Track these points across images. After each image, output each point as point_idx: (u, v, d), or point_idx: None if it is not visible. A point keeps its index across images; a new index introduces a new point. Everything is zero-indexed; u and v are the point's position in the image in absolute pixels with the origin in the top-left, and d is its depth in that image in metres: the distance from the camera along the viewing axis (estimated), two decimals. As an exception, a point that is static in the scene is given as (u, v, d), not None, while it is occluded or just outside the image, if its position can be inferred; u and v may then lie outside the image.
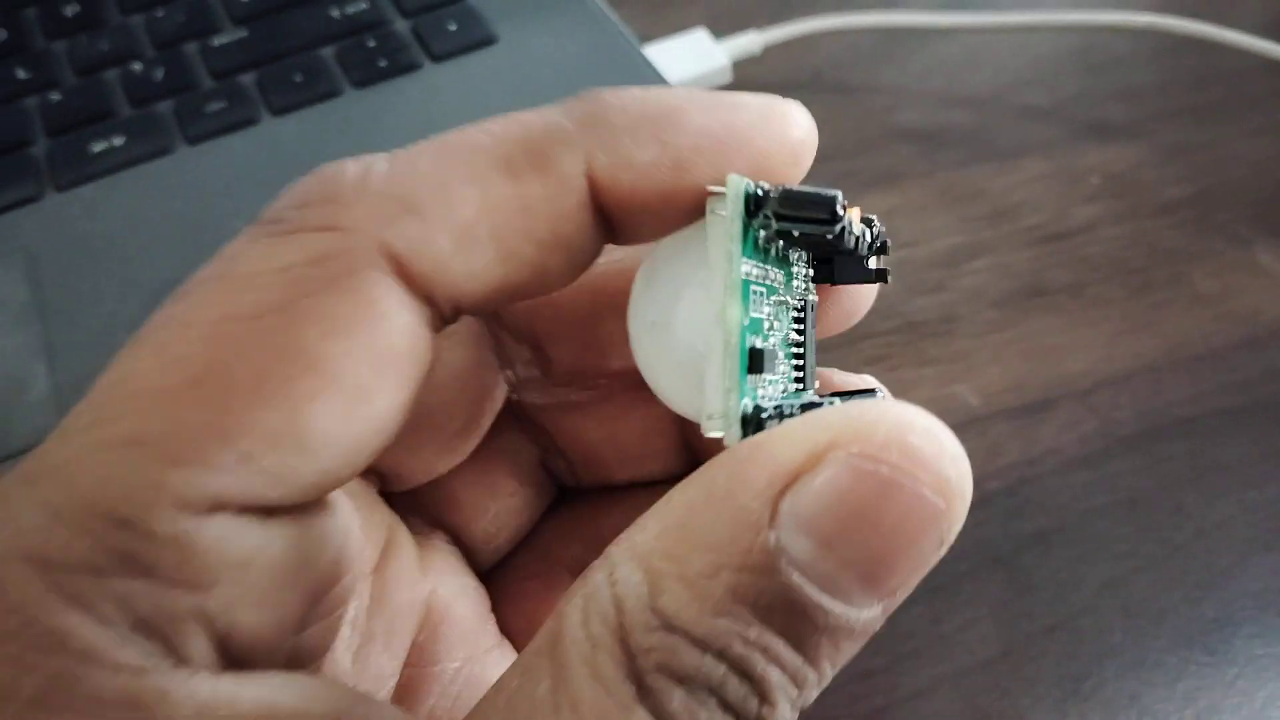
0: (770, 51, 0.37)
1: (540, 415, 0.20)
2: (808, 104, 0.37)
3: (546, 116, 0.15)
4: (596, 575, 0.13)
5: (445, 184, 0.14)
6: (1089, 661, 0.24)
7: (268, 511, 0.13)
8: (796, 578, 0.12)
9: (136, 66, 0.35)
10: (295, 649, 0.15)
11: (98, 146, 0.32)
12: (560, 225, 0.15)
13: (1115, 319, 0.30)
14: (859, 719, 0.24)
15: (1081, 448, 0.28)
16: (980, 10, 0.37)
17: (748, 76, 0.38)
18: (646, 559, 0.12)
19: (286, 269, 0.13)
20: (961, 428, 0.27)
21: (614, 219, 0.15)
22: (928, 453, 0.12)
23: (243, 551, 0.13)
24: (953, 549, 0.25)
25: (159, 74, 0.34)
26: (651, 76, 0.34)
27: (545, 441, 0.20)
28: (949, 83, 0.38)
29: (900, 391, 0.27)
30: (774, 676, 0.12)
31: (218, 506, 0.13)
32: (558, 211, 0.15)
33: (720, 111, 0.15)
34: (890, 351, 0.30)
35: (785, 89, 0.38)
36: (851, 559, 0.12)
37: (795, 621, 0.12)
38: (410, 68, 0.35)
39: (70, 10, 0.37)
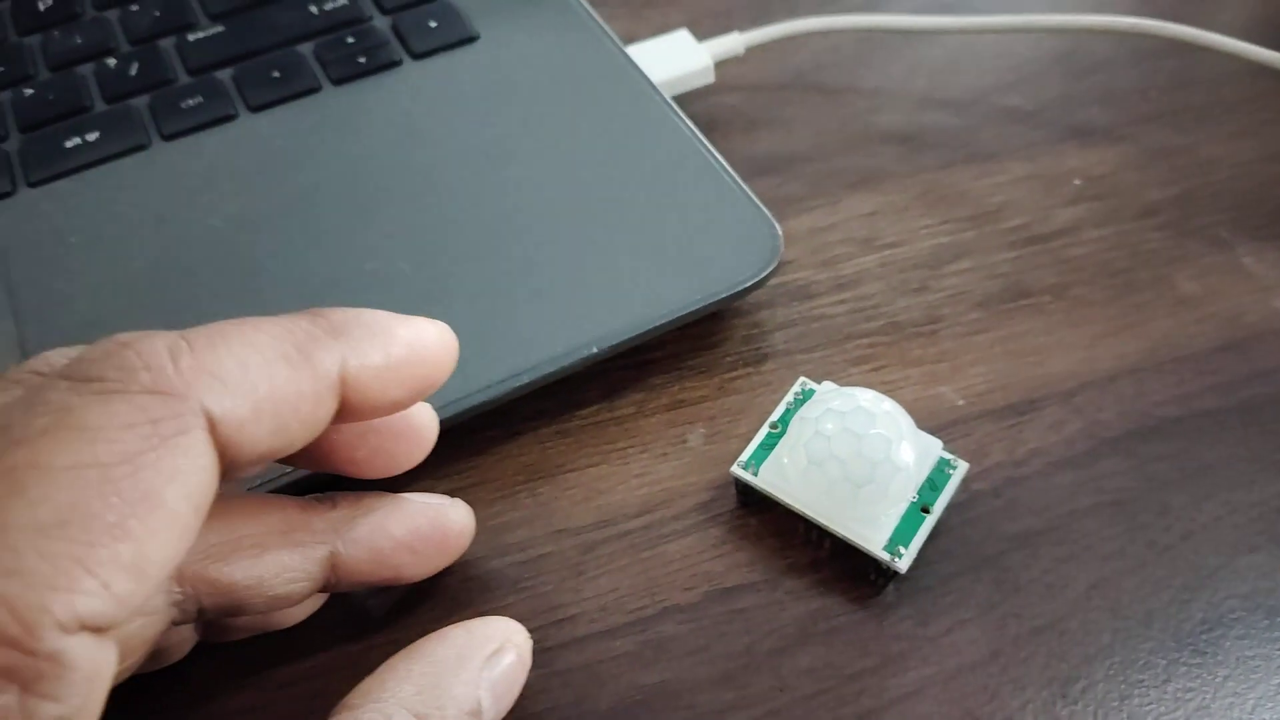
0: (752, 52, 0.37)
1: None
2: (789, 104, 0.38)
3: (303, 323, 0.19)
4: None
5: (247, 366, 0.18)
6: (1078, 663, 0.24)
7: (106, 629, 0.16)
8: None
9: (111, 62, 0.34)
10: None
11: (71, 142, 0.32)
12: (317, 408, 0.19)
13: (1098, 320, 0.30)
14: (847, 721, 0.23)
15: (1067, 449, 0.28)
16: (962, 13, 0.37)
17: (730, 77, 0.38)
18: (416, 708, 0.20)
19: (130, 426, 0.16)
20: (947, 428, 0.28)
21: (348, 404, 0.20)
22: None
23: (92, 665, 0.16)
24: (938, 550, 0.26)
25: (134, 69, 0.34)
26: (634, 76, 0.34)
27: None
28: (931, 84, 0.38)
29: (886, 393, 0.27)
30: None
31: (82, 627, 0.15)
32: (318, 397, 0.19)
33: (405, 330, 0.21)
34: (875, 352, 0.30)
35: (767, 89, 0.39)
36: (502, 712, 0.22)
37: None
38: (390, 65, 0.34)
39: (44, 4, 0.36)
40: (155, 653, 0.23)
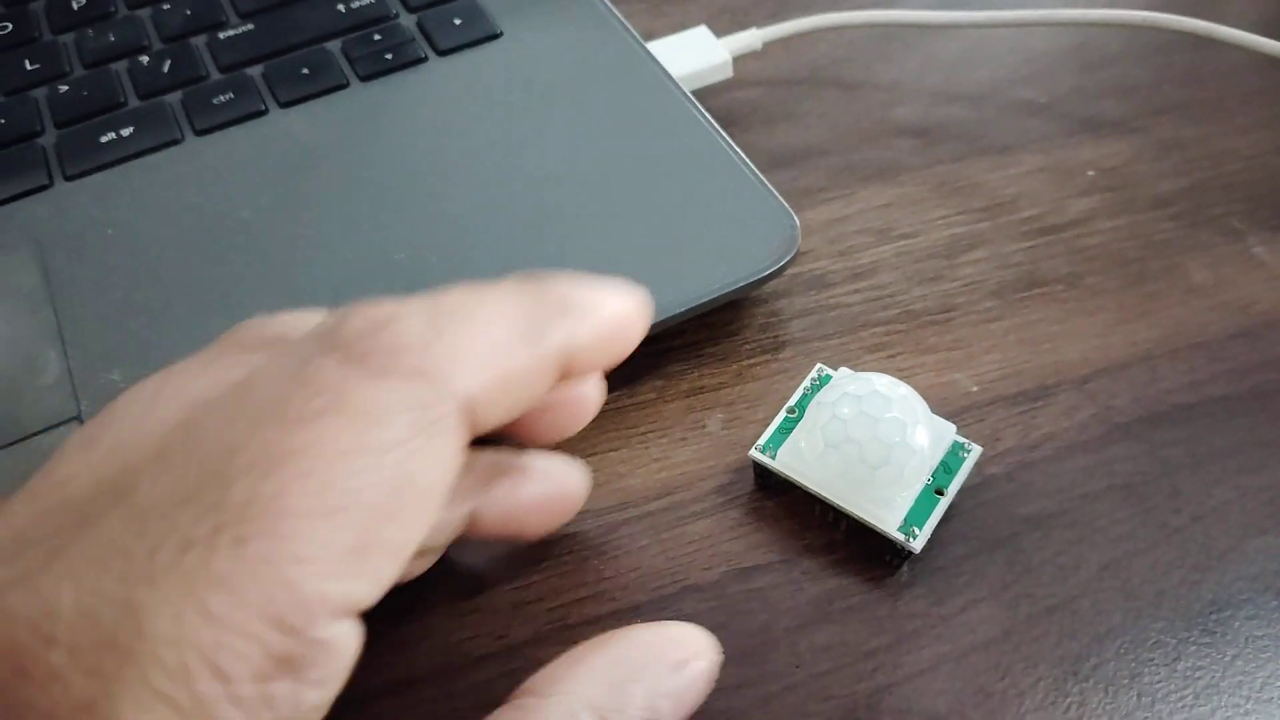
0: (770, 47, 0.38)
1: None
2: (807, 99, 0.38)
3: (534, 299, 0.19)
4: (562, 716, 0.18)
5: (494, 345, 0.18)
6: (1089, 642, 0.25)
7: (362, 612, 0.16)
8: None
9: (144, 59, 0.35)
10: None
11: (106, 137, 0.33)
12: (543, 384, 0.19)
13: (1111, 309, 0.31)
14: (862, 697, 0.24)
15: (1079, 434, 0.28)
16: (977, 7, 0.37)
17: (748, 72, 0.38)
18: (601, 708, 0.19)
19: (403, 410, 0.16)
20: (961, 414, 0.28)
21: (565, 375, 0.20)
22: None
23: (351, 650, 0.16)
24: (953, 533, 0.26)
25: (166, 66, 0.35)
26: (655, 72, 0.34)
27: None
28: (946, 78, 0.38)
29: (901, 379, 0.27)
30: None
31: (352, 611, 0.16)
32: (545, 375, 0.19)
33: (611, 303, 0.21)
34: (890, 340, 0.30)
35: (785, 84, 0.39)
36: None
37: None
38: (416, 61, 0.35)
39: (77, 3, 0.37)
40: None
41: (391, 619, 0.26)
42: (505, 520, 0.24)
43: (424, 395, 0.17)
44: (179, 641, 0.14)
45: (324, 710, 0.16)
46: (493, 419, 0.18)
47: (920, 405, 0.26)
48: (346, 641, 0.16)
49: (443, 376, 0.17)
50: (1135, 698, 0.24)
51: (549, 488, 0.24)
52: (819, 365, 0.28)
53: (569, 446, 0.28)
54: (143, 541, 0.15)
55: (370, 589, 0.16)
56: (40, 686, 0.14)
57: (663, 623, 0.21)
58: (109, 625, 0.14)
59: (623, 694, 0.19)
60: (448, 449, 0.17)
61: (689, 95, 0.34)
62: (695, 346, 0.31)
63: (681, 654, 0.21)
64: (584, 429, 0.29)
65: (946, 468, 0.26)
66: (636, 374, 0.30)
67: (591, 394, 0.24)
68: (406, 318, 0.17)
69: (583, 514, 0.27)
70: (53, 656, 0.14)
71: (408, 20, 0.36)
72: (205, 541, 0.15)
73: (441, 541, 0.23)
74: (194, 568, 0.14)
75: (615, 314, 0.20)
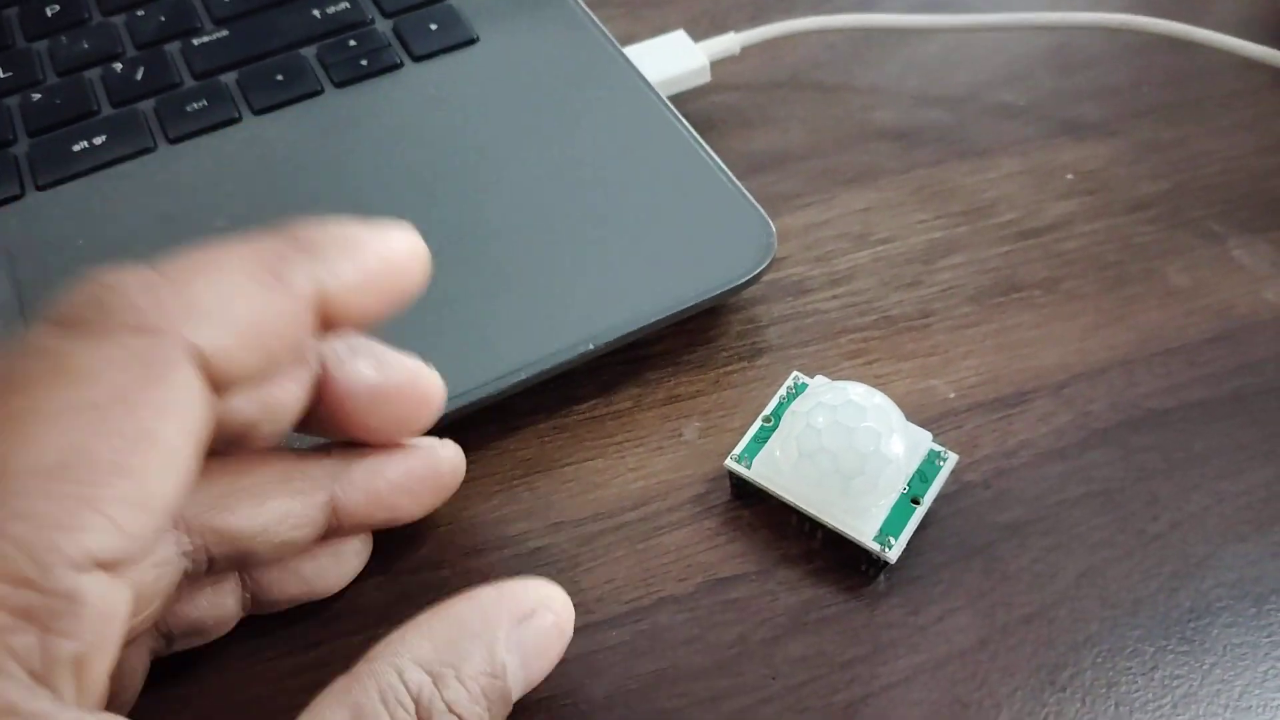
0: (748, 51, 0.37)
1: None
2: (786, 103, 0.38)
3: (274, 244, 0.20)
4: (388, 675, 0.19)
5: (224, 295, 0.18)
6: (1066, 650, 0.24)
7: (118, 566, 0.17)
8: (510, 683, 0.20)
9: (118, 66, 0.35)
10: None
11: (79, 146, 0.33)
12: (296, 327, 0.19)
13: (1089, 313, 0.31)
14: (839, 708, 0.24)
15: (1057, 440, 0.28)
16: (956, 11, 0.37)
17: (726, 76, 0.38)
18: (430, 666, 0.19)
19: (120, 365, 0.17)
20: (938, 420, 0.28)
21: (325, 320, 0.20)
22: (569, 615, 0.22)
23: (106, 603, 0.16)
24: (929, 541, 0.26)
25: (140, 73, 0.35)
26: (631, 76, 0.34)
27: None
28: (925, 82, 0.38)
29: (878, 386, 0.27)
30: None
31: (94, 565, 0.16)
32: (295, 316, 0.19)
33: (376, 243, 0.21)
34: (868, 346, 0.30)
35: (763, 88, 0.39)
36: (533, 677, 0.21)
37: (504, 706, 0.20)
38: (391, 67, 0.35)
39: (51, 10, 0.37)
40: (198, 628, 0.24)
41: (368, 632, 0.25)
42: (371, 504, 0.24)
43: (143, 349, 0.17)
44: None
45: (95, 673, 0.17)
46: (246, 366, 0.19)
47: (895, 414, 0.26)
48: (99, 593, 0.16)
49: (164, 330, 0.17)
50: (1113, 707, 0.24)
51: (414, 465, 0.24)
52: (795, 373, 0.28)
53: (543, 457, 0.28)
54: None
55: (116, 541, 0.16)
56: None
57: (508, 580, 0.21)
58: None
59: (457, 650, 0.20)
60: (180, 399, 0.17)
61: (665, 101, 0.34)
62: (672, 354, 0.30)
63: (525, 607, 0.21)
64: (560, 438, 0.29)
65: (922, 476, 0.26)
66: (613, 383, 0.30)
67: (430, 390, 0.24)
68: (127, 279, 0.18)
69: (557, 525, 0.27)
70: None
71: (383, 26, 0.36)
72: None
73: (303, 534, 0.23)
74: None
75: (377, 251, 0.21)
